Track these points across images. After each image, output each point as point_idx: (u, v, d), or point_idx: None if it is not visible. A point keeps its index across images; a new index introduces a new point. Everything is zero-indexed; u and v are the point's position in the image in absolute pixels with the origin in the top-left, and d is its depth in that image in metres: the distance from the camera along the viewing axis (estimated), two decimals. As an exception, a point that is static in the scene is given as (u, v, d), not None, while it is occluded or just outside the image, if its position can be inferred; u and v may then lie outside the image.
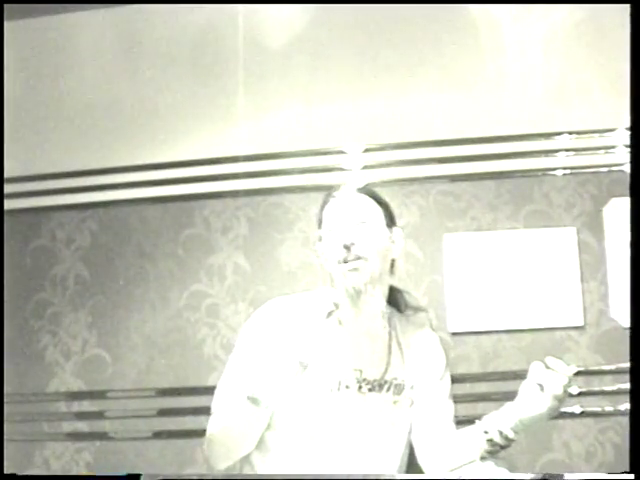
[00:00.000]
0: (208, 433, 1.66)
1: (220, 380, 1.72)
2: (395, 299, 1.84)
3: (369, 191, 1.79)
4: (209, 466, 1.71)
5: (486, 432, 1.63)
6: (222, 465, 1.70)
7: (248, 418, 1.59)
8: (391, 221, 1.78)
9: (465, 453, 1.66)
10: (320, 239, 1.78)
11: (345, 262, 1.68)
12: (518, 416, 1.60)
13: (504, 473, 1.59)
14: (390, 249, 1.76)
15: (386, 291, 1.78)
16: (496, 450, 1.63)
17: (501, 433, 1.61)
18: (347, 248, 1.68)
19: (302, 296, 1.77)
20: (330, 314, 1.58)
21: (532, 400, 1.58)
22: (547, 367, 1.57)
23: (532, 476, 1.58)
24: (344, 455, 1.66)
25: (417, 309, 1.88)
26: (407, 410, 1.74)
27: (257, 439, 1.66)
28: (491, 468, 1.61)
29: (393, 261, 1.79)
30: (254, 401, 1.53)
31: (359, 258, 1.68)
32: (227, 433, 1.63)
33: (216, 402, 1.69)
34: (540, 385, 1.56)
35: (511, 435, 1.61)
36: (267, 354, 1.56)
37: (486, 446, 1.63)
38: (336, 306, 1.59)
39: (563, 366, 1.57)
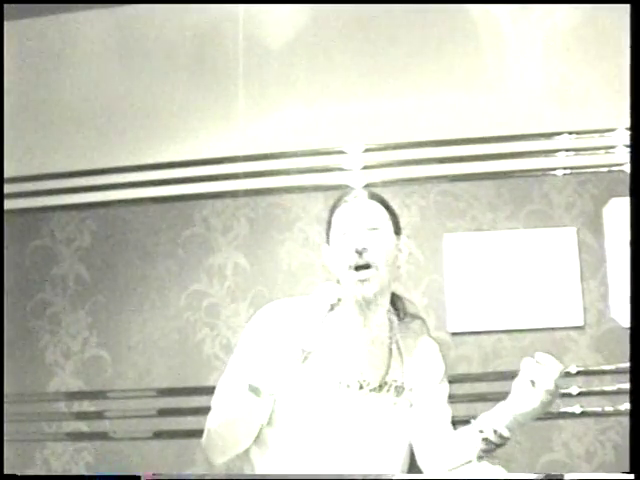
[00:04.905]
0: (207, 427, 1.67)
1: (220, 379, 1.72)
2: (394, 305, 1.85)
3: (380, 198, 1.80)
4: (208, 461, 1.72)
5: (481, 431, 1.64)
6: (220, 460, 1.71)
7: (248, 409, 1.59)
8: (398, 229, 1.80)
9: (462, 453, 1.67)
10: (328, 242, 1.79)
11: (356, 268, 1.70)
12: (512, 413, 1.61)
13: (500, 472, 1.59)
14: (398, 257, 1.78)
15: (389, 297, 1.80)
16: (492, 449, 1.64)
17: (496, 432, 1.62)
18: (359, 253, 1.69)
19: (303, 298, 1.78)
20: (333, 307, 1.59)
21: (525, 396, 1.59)
22: (537, 362, 1.59)
23: (533, 476, 1.58)
24: (343, 453, 1.66)
25: (414, 316, 1.89)
26: (406, 411, 1.75)
27: (255, 434, 1.66)
28: (486, 467, 1.61)
29: (398, 269, 1.80)
30: (255, 391, 1.54)
31: (370, 266, 1.69)
32: (227, 426, 1.63)
33: (216, 398, 1.69)
34: (531, 381, 1.58)
35: (506, 433, 1.62)
36: (269, 344, 1.57)
37: (482, 445, 1.64)
38: (339, 300, 1.60)
39: (552, 360, 1.58)
